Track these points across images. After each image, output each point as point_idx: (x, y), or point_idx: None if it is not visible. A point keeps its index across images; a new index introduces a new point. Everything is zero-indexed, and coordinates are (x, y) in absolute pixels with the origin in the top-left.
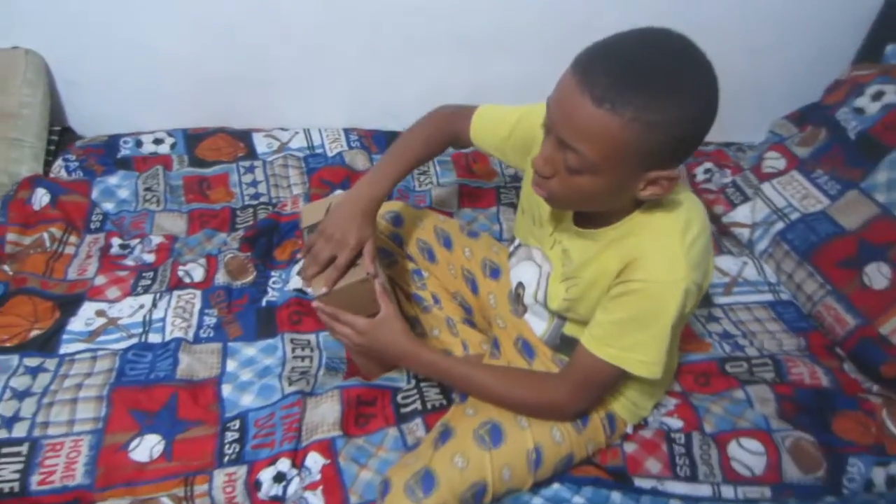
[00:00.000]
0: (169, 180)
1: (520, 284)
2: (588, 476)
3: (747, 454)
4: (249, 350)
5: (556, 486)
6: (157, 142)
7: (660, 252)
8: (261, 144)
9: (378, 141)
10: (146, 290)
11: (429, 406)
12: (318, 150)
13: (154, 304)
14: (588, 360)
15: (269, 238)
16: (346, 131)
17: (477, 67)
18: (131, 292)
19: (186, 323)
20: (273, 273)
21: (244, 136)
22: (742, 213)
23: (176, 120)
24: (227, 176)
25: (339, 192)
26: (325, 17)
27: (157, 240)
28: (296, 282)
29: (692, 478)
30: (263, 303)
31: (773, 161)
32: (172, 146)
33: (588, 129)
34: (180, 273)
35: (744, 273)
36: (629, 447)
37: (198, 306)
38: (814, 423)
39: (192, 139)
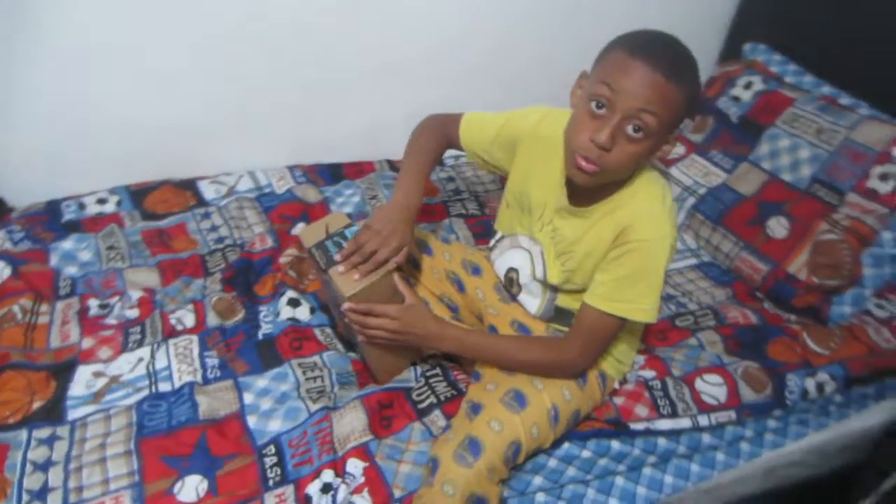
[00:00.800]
0: (127, 237)
1: (511, 269)
2: (591, 429)
3: (711, 386)
4: (261, 381)
5: (566, 445)
6: (101, 202)
7: (647, 216)
8: (208, 191)
9: (322, 174)
10: (139, 343)
11: (441, 398)
12: (267, 190)
13: (153, 356)
14: (595, 317)
15: (247, 276)
16: (291, 168)
17: (409, 96)
18: (123, 349)
19: (192, 367)
20: (261, 307)
21: (189, 185)
22: None
23: (114, 178)
24: (183, 225)
25: (334, 212)
26: (259, 59)
27: (136, 294)
28: (287, 312)
29: (674, 414)
30: (260, 336)
31: (677, 149)
32: (118, 204)
33: (661, 98)
34: (172, 321)
35: None
36: (618, 400)
37: (196, 350)
38: (754, 353)
39: (137, 195)
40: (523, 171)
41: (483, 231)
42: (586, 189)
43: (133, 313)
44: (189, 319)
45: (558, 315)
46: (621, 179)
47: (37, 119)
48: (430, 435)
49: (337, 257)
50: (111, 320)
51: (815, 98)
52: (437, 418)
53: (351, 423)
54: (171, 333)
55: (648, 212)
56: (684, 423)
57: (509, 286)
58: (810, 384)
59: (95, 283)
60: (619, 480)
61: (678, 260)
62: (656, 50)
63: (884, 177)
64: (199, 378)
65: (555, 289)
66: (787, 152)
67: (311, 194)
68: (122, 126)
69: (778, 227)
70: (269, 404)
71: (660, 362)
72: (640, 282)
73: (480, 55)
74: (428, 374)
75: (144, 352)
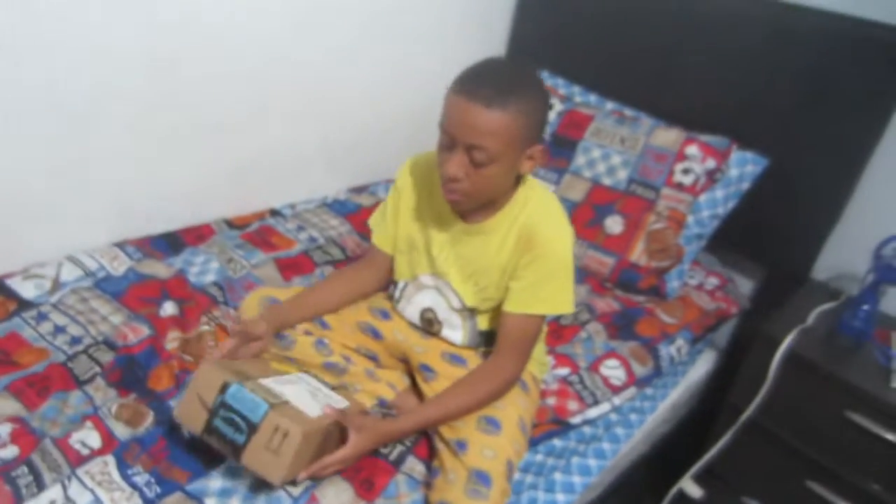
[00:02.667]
0: None
1: (426, 310)
2: (542, 433)
3: (612, 370)
4: (215, 482)
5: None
6: None
7: (546, 217)
8: (26, 289)
9: (158, 246)
10: (38, 486)
11: (408, 443)
12: (101, 274)
13: (66, 495)
14: (519, 323)
15: (135, 373)
16: (119, 245)
17: (233, 148)
18: (22, 500)
19: (124, 492)
20: (170, 402)
21: None
22: None
23: None
24: (17, 335)
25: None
26: (59, 129)
27: (4, 429)
28: None
29: (596, 402)
30: (186, 433)
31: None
32: None
33: (488, 128)
34: (76, 446)
35: None
36: (550, 401)
37: (116, 472)
38: (629, 334)
39: None
40: (408, 214)
41: None
42: (474, 209)
43: (9, 452)
44: (93, 439)
45: (483, 339)
46: (504, 192)
47: None
48: (416, 483)
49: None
50: None
51: (608, 113)
52: (414, 464)
53: (338, 496)
54: (78, 461)
55: (545, 213)
56: (605, 407)
57: (429, 327)
58: (672, 350)
59: None
60: (558, 476)
61: None
62: (477, 80)
63: (685, 171)
64: (138, 501)
65: (473, 312)
66: (601, 161)
67: (160, 269)
68: None
69: (614, 224)
70: (240, 503)
71: (567, 358)
72: (554, 279)
73: (301, 104)
74: None
75: (54, 493)
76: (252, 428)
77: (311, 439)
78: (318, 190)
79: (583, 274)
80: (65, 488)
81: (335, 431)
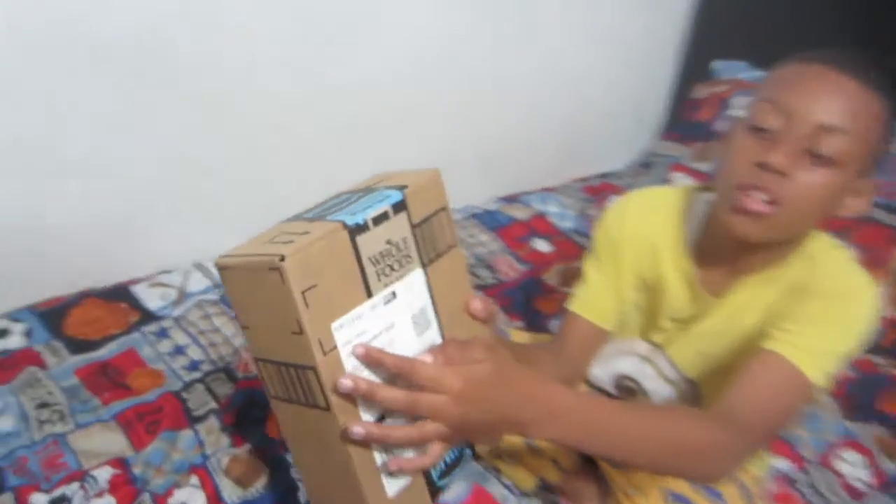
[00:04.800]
0: (58, 382)
1: (624, 378)
2: None
3: (852, 467)
4: None
5: None
6: (3, 334)
7: (834, 262)
8: (150, 298)
9: None
10: None
11: None
12: None
13: None
14: (780, 372)
15: (252, 414)
16: None
17: (376, 154)
18: None
19: None
20: (288, 455)
21: (121, 294)
22: None
23: (12, 299)
24: (134, 352)
25: None
26: (196, 128)
27: (104, 474)
28: None
29: None
30: (302, 498)
31: (684, 180)
32: (28, 334)
33: (857, 106)
34: None
35: None
36: None
37: None
38: (869, 413)
39: (50, 317)
40: (629, 271)
41: (510, 303)
42: (736, 255)
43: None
44: (197, 499)
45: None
46: (803, 233)
47: None
48: None
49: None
50: None
51: None
52: None
53: None
54: None
55: (833, 259)
56: None
57: (627, 397)
58: None
59: (32, 465)
60: None
61: None
62: (842, 55)
63: None
64: None
65: (695, 385)
66: None
67: None
68: (11, 229)
69: None
70: None
71: (786, 445)
72: (836, 333)
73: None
74: None
75: None
76: None
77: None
78: (466, 197)
79: None
80: None
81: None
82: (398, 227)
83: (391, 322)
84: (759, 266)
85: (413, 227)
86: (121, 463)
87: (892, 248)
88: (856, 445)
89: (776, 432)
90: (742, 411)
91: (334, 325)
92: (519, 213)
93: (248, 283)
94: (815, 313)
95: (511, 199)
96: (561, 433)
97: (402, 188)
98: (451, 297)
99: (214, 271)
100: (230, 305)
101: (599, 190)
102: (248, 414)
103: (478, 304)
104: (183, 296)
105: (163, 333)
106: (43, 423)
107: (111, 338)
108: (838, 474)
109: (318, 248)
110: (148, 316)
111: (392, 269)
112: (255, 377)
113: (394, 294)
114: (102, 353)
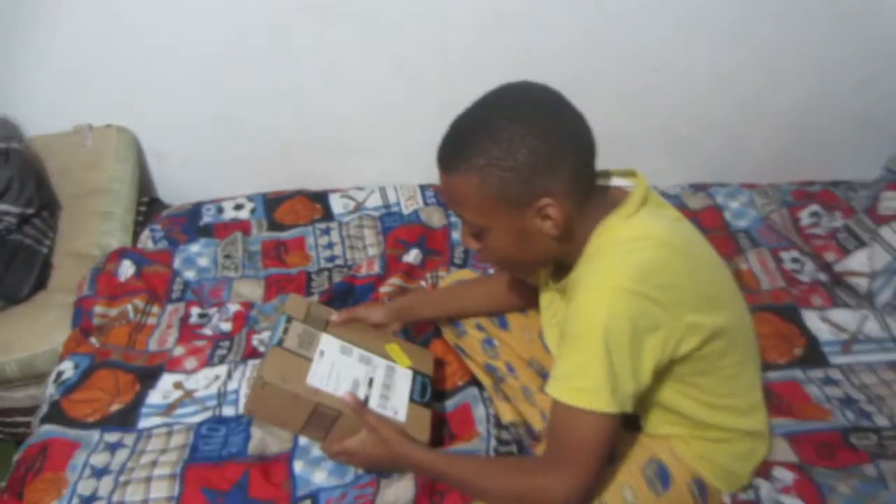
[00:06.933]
0: (248, 246)
1: None
2: None
3: None
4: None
5: None
6: (238, 207)
7: (596, 268)
8: (337, 205)
9: None
10: (222, 360)
11: None
12: (395, 209)
13: (229, 375)
14: (559, 414)
15: (344, 302)
16: (422, 188)
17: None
18: (208, 362)
19: None
20: None
21: (321, 198)
22: (858, 261)
23: (256, 185)
24: (303, 239)
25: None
26: (394, 78)
27: (233, 308)
28: None
29: None
30: None
31: (892, 202)
32: (252, 211)
33: (453, 196)
34: (255, 342)
35: (864, 328)
36: None
37: None
38: None
39: (272, 203)
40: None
41: None
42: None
43: (227, 326)
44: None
45: None
46: (550, 254)
47: (194, 127)
48: None
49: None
50: (207, 331)
51: None
52: None
53: (396, 492)
54: (250, 354)
55: (602, 264)
56: None
57: None
58: None
59: (205, 291)
60: None
61: (870, 351)
62: (445, 136)
63: None
64: None
65: None
66: None
67: (435, 218)
68: (265, 137)
69: None
70: (320, 452)
71: (813, 489)
72: (576, 353)
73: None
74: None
75: (222, 370)
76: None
77: (274, 394)
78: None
79: None
80: (230, 371)
81: (350, 421)
82: (297, 328)
83: (332, 361)
84: (564, 268)
85: (303, 322)
86: (247, 305)
87: None
88: None
89: (594, 463)
90: (555, 453)
91: (307, 381)
92: (694, 202)
93: (268, 405)
94: (565, 330)
95: (699, 188)
96: (426, 474)
97: (286, 317)
98: (350, 330)
99: (391, 195)
100: (383, 222)
101: (812, 197)
102: (340, 299)
103: (335, 317)
104: (359, 207)
105: (326, 231)
106: (224, 268)
107: (296, 226)
108: None
109: (275, 361)
110: (328, 216)
111: (311, 344)
112: (362, 277)
113: (322, 352)
114: (285, 234)
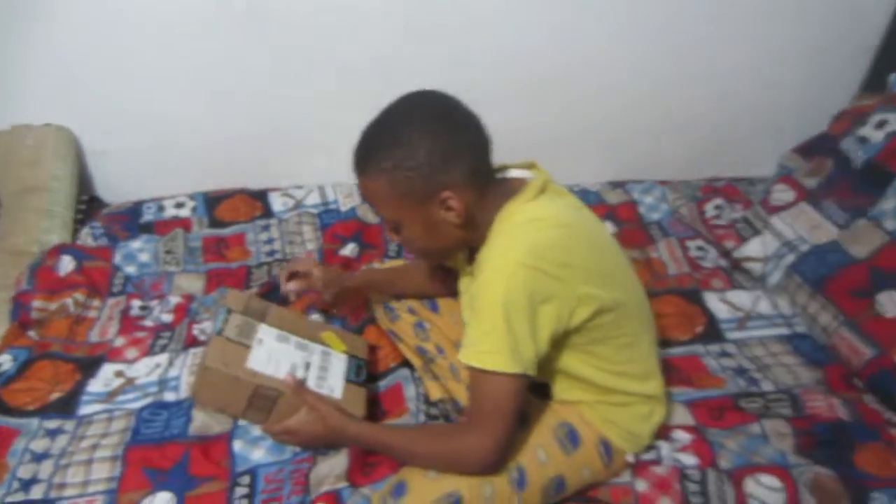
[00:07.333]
0: (189, 242)
1: None
2: None
3: (764, 490)
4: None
5: None
6: (179, 206)
7: (497, 247)
8: (277, 203)
9: None
10: (163, 349)
11: None
12: (332, 206)
13: (170, 363)
14: (472, 379)
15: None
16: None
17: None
18: (149, 352)
19: None
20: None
21: (261, 196)
22: (753, 248)
23: (196, 184)
24: (243, 236)
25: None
26: (334, 80)
27: (174, 300)
28: None
29: None
30: None
31: (781, 194)
32: (193, 209)
33: (368, 196)
34: (195, 332)
35: (757, 307)
36: (641, 486)
37: None
38: (833, 457)
39: (213, 201)
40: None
41: None
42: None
43: (168, 318)
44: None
45: None
46: (459, 240)
47: (133, 126)
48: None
49: None
50: (148, 322)
51: None
52: None
53: (330, 466)
54: (192, 343)
55: (502, 242)
56: None
57: None
58: None
59: (146, 285)
60: None
61: (762, 326)
62: (358, 142)
63: None
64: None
65: None
66: None
67: (371, 214)
68: (207, 137)
69: (891, 303)
70: (260, 431)
71: (707, 447)
72: (481, 322)
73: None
74: None
75: (164, 358)
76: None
77: (216, 378)
78: (583, 175)
79: (825, 356)
80: (171, 359)
81: (289, 403)
82: (237, 318)
83: (270, 348)
84: (470, 259)
85: (243, 314)
86: (188, 298)
87: None
88: (783, 474)
89: (506, 423)
90: (472, 416)
91: (247, 365)
92: (612, 197)
93: (206, 390)
94: (472, 305)
95: (617, 185)
96: (364, 445)
97: (226, 309)
98: (286, 322)
99: (329, 193)
100: (323, 221)
101: (717, 192)
102: (277, 292)
103: (292, 285)
104: (298, 205)
105: (266, 227)
106: (165, 263)
107: (236, 223)
108: (740, 489)
109: (217, 348)
110: (268, 214)
111: (250, 333)
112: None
113: (260, 340)
114: (225, 231)
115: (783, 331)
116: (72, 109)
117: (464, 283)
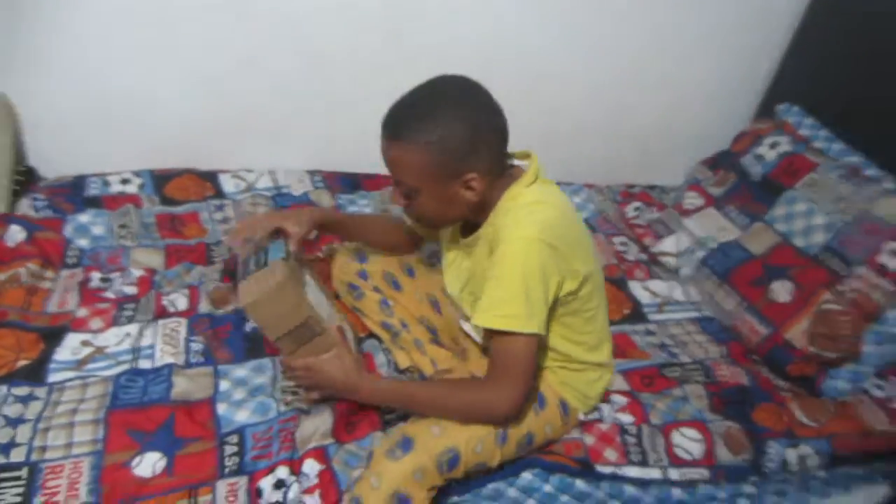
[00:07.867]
0: (142, 218)
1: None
2: (556, 462)
3: (688, 441)
4: (240, 371)
5: (527, 475)
6: (125, 182)
7: (511, 223)
8: (228, 184)
9: (341, 182)
10: (130, 320)
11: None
12: (285, 191)
13: (141, 333)
14: (495, 341)
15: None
16: (311, 173)
17: None
18: (114, 323)
19: (176, 350)
20: None
21: (211, 177)
22: (668, 244)
23: (138, 162)
24: (197, 214)
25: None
26: (293, 63)
27: (137, 273)
28: None
29: (644, 463)
30: (248, 328)
31: (692, 199)
32: (141, 186)
33: (395, 161)
34: (165, 302)
35: (673, 294)
36: (589, 440)
37: (183, 333)
38: (739, 414)
39: (160, 179)
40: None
41: None
42: (466, 224)
43: (131, 290)
44: (182, 303)
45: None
46: (463, 213)
47: (68, 96)
48: None
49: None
50: (109, 294)
51: (839, 166)
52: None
53: (315, 424)
54: (161, 314)
55: (514, 220)
56: (653, 473)
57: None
58: (792, 455)
59: (102, 258)
60: None
61: (677, 310)
62: (391, 109)
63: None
64: (181, 361)
65: None
66: (802, 217)
67: (324, 199)
68: (154, 115)
69: (781, 290)
70: (242, 395)
71: (640, 408)
72: (500, 288)
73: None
74: None
75: (133, 328)
76: (262, 264)
77: (283, 295)
78: None
79: (728, 335)
80: (142, 329)
81: (326, 341)
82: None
83: (314, 293)
84: (476, 225)
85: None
86: (150, 271)
87: (822, 291)
88: (701, 428)
89: (526, 377)
90: (496, 372)
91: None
92: None
93: (269, 303)
94: (491, 268)
95: None
96: (371, 402)
97: (283, 241)
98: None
99: (281, 178)
100: (275, 202)
101: (634, 196)
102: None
103: (293, 246)
104: (250, 188)
105: (220, 208)
106: (120, 237)
107: (189, 201)
108: (669, 443)
109: (286, 269)
110: (220, 194)
111: (300, 272)
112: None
113: (307, 283)
114: (178, 209)
115: (694, 314)
116: (8, 76)
117: (451, 256)
